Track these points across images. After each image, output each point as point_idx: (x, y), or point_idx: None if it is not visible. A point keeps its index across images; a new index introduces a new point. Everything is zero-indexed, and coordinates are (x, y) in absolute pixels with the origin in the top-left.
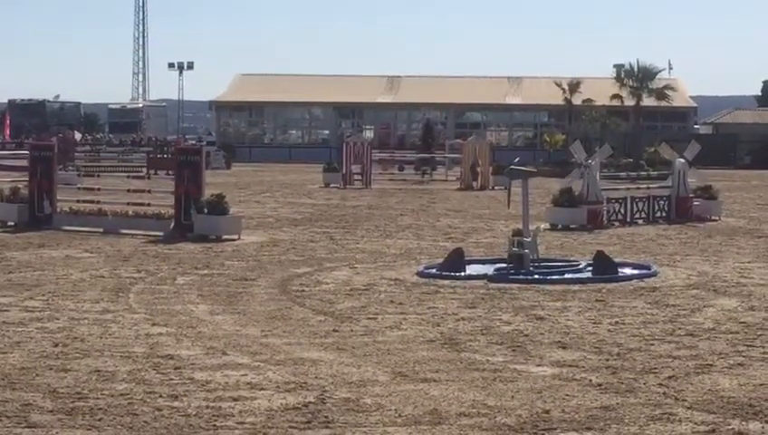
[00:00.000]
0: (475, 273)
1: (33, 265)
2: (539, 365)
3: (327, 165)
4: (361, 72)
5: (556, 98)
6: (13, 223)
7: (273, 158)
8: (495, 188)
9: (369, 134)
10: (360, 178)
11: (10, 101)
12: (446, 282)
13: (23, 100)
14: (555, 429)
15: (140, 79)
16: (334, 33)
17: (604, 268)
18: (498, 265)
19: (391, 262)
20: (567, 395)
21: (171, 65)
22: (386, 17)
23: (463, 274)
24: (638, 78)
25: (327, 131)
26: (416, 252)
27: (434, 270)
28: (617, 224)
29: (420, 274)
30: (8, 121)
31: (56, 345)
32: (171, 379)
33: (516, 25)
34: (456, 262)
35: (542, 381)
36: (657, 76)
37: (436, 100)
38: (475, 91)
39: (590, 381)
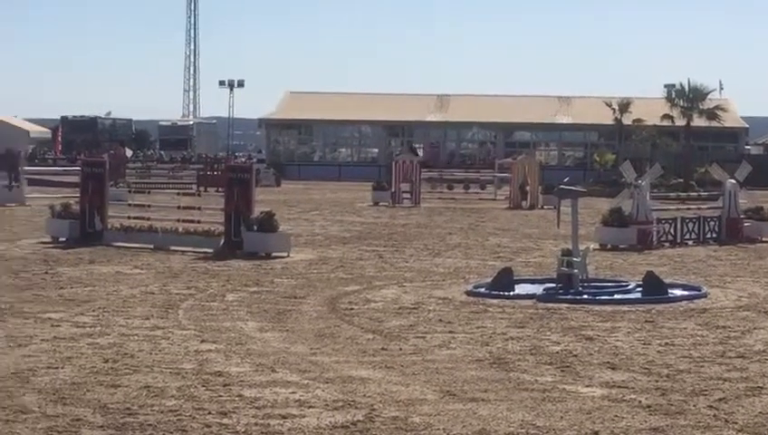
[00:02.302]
0: (523, 292)
1: (83, 281)
2: (588, 386)
3: (376, 183)
4: (411, 90)
5: (606, 118)
6: (64, 239)
7: (323, 176)
8: (544, 207)
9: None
10: (409, 196)
11: (62, 117)
12: (495, 301)
13: (74, 116)
14: None
15: (191, 96)
16: (384, 52)
17: (654, 289)
18: (547, 285)
19: (440, 281)
20: (616, 416)
21: (222, 83)
22: (435, 36)
23: (512, 293)
24: (688, 98)
25: (376, 150)
26: (464, 271)
27: (483, 289)
28: (667, 244)
29: (469, 293)
30: (60, 138)
31: (107, 361)
32: (220, 395)
33: (567, 45)
34: (505, 281)
35: (592, 402)
36: (708, 96)
37: (485, 118)
38: (525, 110)
39: (640, 402)
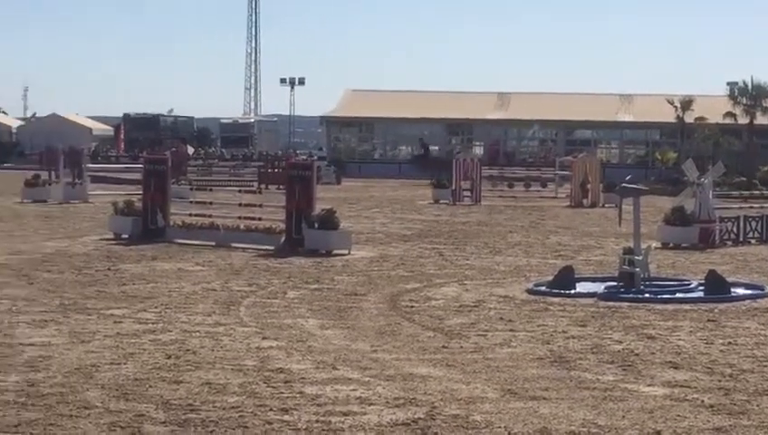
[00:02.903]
0: (584, 291)
1: (146, 278)
2: (650, 385)
3: (437, 181)
4: (472, 88)
5: (668, 116)
6: (127, 235)
7: (383, 173)
8: (605, 205)
9: (478, 150)
10: (469, 194)
11: (125, 115)
12: (556, 299)
13: (137, 114)
14: None
15: (252, 94)
16: (445, 50)
17: (716, 288)
18: (608, 284)
19: (501, 279)
20: (678, 416)
21: (283, 80)
22: (496, 34)
23: (573, 291)
24: (751, 96)
25: (437, 147)
26: (525, 269)
27: (544, 287)
28: (729, 243)
29: (530, 291)
30: (122, 135)
31: (169, 357)
32: (282, 392)
33: (628, 42)
34: (565, 279)
35: (654, 402)
36: None
37: (546, 116)
38: (586, 108)
39: (702, 401)
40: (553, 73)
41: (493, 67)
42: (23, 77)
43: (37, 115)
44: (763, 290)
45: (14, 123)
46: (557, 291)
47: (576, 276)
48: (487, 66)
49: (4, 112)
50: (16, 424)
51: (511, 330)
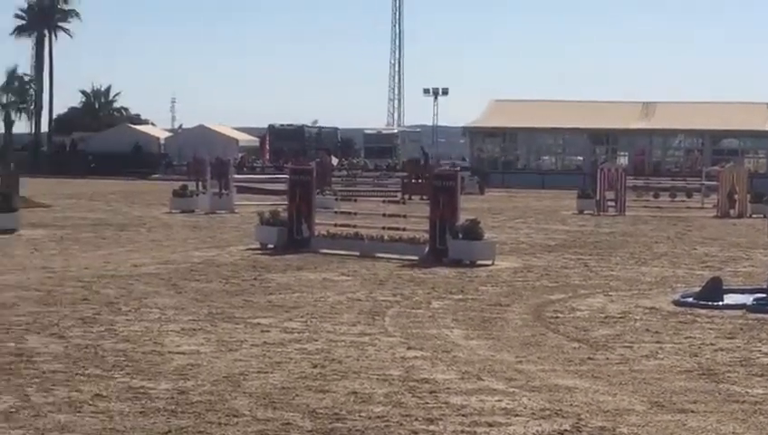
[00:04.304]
0: (733, 302)
1: (291, 288)
2: None
3: (581, 191)
4: (616, 97)
5: None
6: (272, 245)
7: (526, 183)
8: (753, 216)
9: (622, 160)
10: (614, 204)
11: (270, 126)
12: (704, 311)
13: (282, 125)
14: None
15: (396, 104)
16: (588, 60)
17: None
18: (757, 295)
19: (647, 290)
20: None
21: (426, 91)
22: (640, 43)
23: (721, 303)
24: None
25: (581, 158)
26: (672, 280)
27: (691, 299)
28: None
29: (677, 302)
30: (267, 146)
31: (315, 366)
32: (427, 403)
33: None
34: (713, 291)
35: None
36: None
37: (691, 126)
38: (733, 117)
39: None
40: (699, 82)
41: (637, 76)
42: (170, 89)
43: (183, 126)
44: None
45: (163, 135)
46: (704, 302)
47: (724, 288)
48: (632, 75)
49: (152, 124)
50: (167, 431)
51: (657, 342)
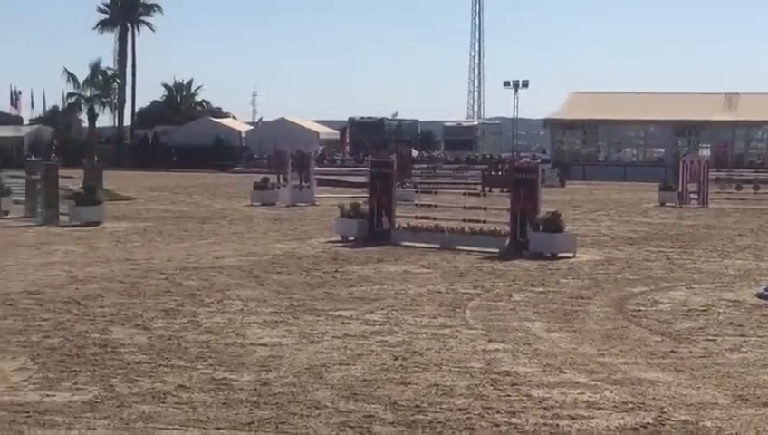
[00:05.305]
0: None
1: (372, 280)
2: None
3: (663, 184)
4: (698, 89)
5: None
6: (353, 238)
7: (607, 176)
8: None
9: (705, 152)
10: (696, 197)
11: (350, 118)
12: None
13: (362, 117)
14: None
15: (476, 97)
16: (670, 50)
17: None
18: None
19: (730, 283)
20: None
21: (506, 83)
22: (724, 33)
23: None
24: None
25: (662, 150)
26: (755, 273)
27: None
28: None
29: (761, 295)
30: (348, 139)
31: (396, 359)
32: (508, 395)
33: None
34: None
35: None
36: None
37: None
38: None
39: None
40: None
41: (720, 67)
42: (251, 82)
43: (263, 120)
44: None
45: (244, 128)
46: None
47: None
48: (715, 66)
49: (233, 117)
50: (249, 422)
51: (741, 335)
